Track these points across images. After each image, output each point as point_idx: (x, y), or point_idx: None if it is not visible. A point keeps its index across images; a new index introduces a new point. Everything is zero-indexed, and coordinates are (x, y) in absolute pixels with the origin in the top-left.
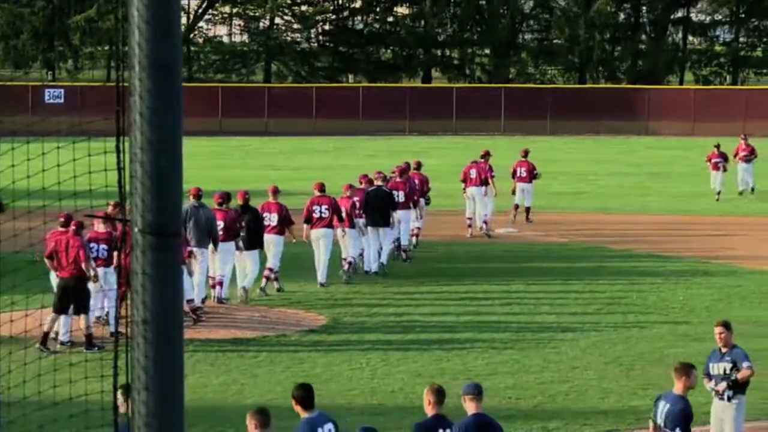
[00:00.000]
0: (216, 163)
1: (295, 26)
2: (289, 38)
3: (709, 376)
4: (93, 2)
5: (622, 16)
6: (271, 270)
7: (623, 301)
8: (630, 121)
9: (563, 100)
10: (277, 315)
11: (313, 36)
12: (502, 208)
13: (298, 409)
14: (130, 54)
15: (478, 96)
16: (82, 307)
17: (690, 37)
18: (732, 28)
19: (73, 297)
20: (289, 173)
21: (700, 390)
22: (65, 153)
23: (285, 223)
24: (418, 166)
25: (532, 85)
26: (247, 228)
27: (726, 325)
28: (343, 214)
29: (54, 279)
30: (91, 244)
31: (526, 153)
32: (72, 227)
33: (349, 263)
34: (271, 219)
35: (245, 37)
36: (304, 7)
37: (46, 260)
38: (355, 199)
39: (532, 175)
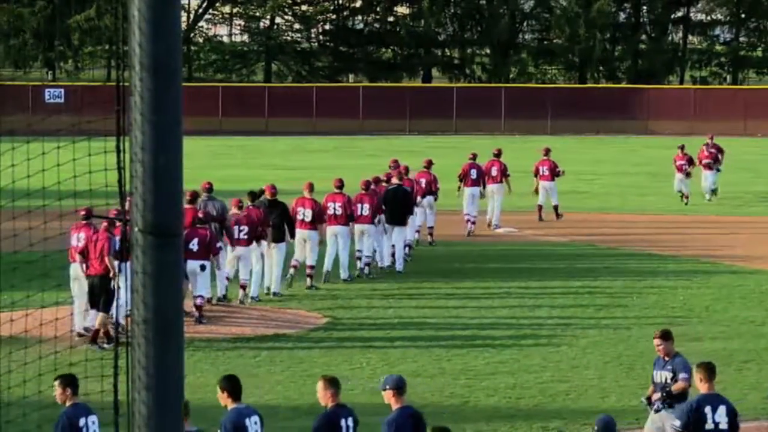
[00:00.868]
0: (216, 163)
1: (296, 26)
2: (289, 38)
3: (654, 384)
4: (93, 2)
5: (622, 15)
6: (312, 267)
7: (623, 300)
8: (630, 121)
9: (563, 99)
10: (277, 314)
11: (313, 36)
12: (518, 208)
13: (227, 400)
14: (131, 54)
15: (478, 95)
16: (104, 305)
17: (690, 37)
18: (732, 28)
19: (98, 294)
20: (289, 173)
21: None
22: (65, 153)
23: (319, 219)
24: (428, 164)
25: (532, 85)
26: (274, 222)
27: (664, 336)
28: (364, 211)
29: (74, 272)
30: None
31: (547, 151)
32: (104, 224)
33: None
34: (306, 214)
35: (245, 37)
36: (304, 7)
37: (78, 256)
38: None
39: (554, 173)
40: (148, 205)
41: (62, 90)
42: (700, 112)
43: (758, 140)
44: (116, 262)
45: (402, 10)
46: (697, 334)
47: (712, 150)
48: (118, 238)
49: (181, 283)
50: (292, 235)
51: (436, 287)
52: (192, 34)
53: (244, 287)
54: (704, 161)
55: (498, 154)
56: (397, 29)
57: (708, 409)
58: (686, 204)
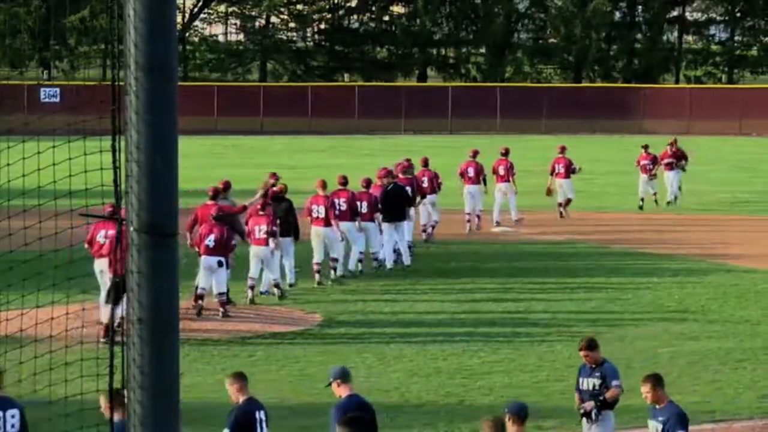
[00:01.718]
0: (211, 162)
1: (291, 25)
2: (284, 37)
3: (579, 391)
4: (88, 1)
5: (617, 14)
6: (319, 264)
7: (619, 299)
8: (625, 120)
9: (559, 99)
10: (273, 313)
11: (308, 35)
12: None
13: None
14: (126, 53)
15: (473, 95)
16: (115, 300)
17: (685, 36)
18: (727, 27)
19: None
20: (284, 172)
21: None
22: (61, 152)
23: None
24: (425, 163)
25: (527, 84)
26: (281, 218)
27: (589, 346)
28: (363, 209)
29: (98, 267)
30: None
31: (563, 149)
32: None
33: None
34: (320, 212)
35: (241, 36)
36: (299, 6)
37: (87, 245)
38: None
39: (569, 171)
40: (144, 205)
41: (58, 89)
42: (695, 111)
43: (753, 139)
44: None
45: (397, 9)
46: (693, 333)
47: (675, 151)
48: None
49: (176, 281)
50: (296, 236)
51: (431, 286)
52: (187, 34)
53: (277, 285)
54: (665, 161)
55: (506, 153)
56: (393, 28)
57: None
58: (657, 204)
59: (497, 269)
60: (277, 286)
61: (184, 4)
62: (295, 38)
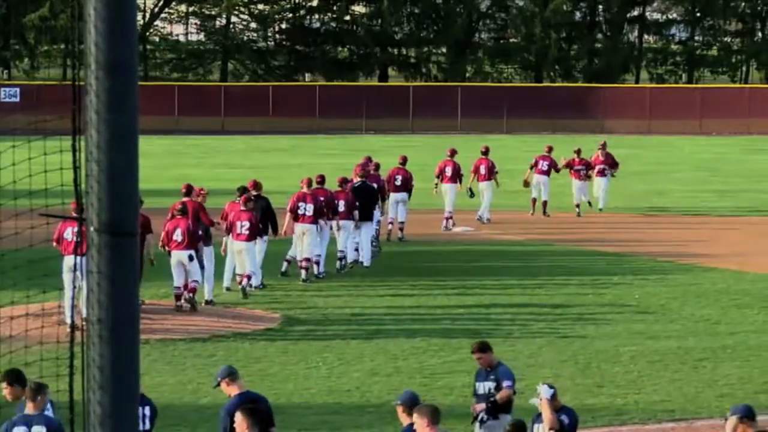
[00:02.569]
0: (172, 162)
1: (252, 25)
2: (245, 37)
3: (476, 396)
4: (47, 0)
5: (578, 14)
6: (308, 260)
7: (579, 299)
8: (586, 120)
9: (519, 98)
10: (234, 314)
11: (269, 35)
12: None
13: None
14: (86, 53)
15: (434, 94)
16: None
17: (645, 36)
18: (687, 27)
19: None
20: (245, 172)
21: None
22: (21, 152)
23: (320, 214)
24: (404, 161)
25: (488, 84)
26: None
27: (482, 349)
28: (341, 207)
29: (67, 264)
30: None
31: (550, 149)
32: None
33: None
34: (306, 209)
35: (201, 36)
36: (260, 6)
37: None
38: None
39: (553, 169)
40: (104, 205)
41: (18, 89)
42: (655, 111)
43: (713, 138)
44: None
45: (359, 9)
46: (653, 333)
47: (606, 156)
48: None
49: (135, 281)
50: (275, 230)
51: (392, 286)
52: (148, 33)
53: (249, 276)
54: (598, 167)
55: (486, 152)
56: (354, 28)
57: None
58: (592, 207)
59: (458, 269)
60: (248, 277)
61: (144, 3)
62: (255, 38)
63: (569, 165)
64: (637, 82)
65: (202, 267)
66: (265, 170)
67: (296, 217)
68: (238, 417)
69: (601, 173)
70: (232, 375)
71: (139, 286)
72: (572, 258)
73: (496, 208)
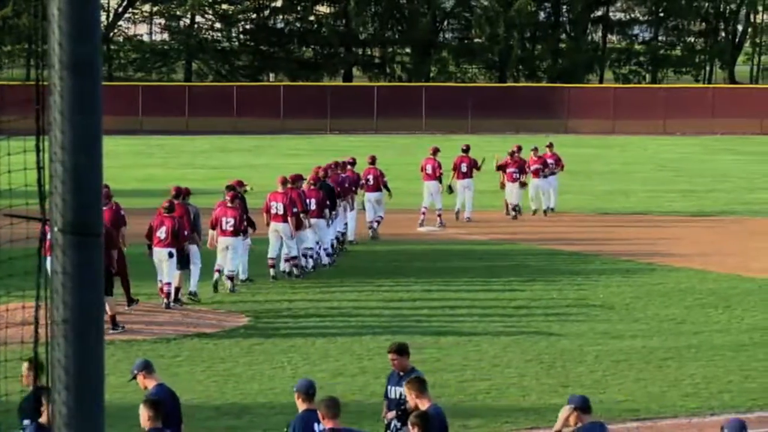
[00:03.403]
0: (136, 162)
1: (216, 25)
2: (209, 37)
3: (387, 400)
4: (8, 0)
5: (542, 14)
6: (294, 258)
7: (544, 299)
8: (550, 120)
9: (484, 98)
10: (199, 315)
11: (234, 35)
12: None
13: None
14: (50, 53)
15: (399, 95)
16: (107, 288)
17: (609, 36)
18: (650, 27)
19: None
20: (209, 172)
21: None
22: None
23: (292, 213)
24: (373, 161)
25: (452, 84)
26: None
27: (398, 351)
28: (312, 206)
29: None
30: None
31: (536, 150)
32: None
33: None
34: (278, 208)
35: (165, 36)
36: (225, 6)
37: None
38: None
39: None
40: (68, 205)
41: None
42: (619, 111)
43: (677, 138)
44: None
45: (323, 9)
46: (618, 332)
47: (546, 155)
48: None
49: (100, 282)
50: (253, 227)
51: (357, 287)
52: (111, 33)
53: (231, 278)
54: (533, 167)
55: (467, 150)
56: (318, 28)
57: None
58: (514, 217)
59: (423, 269)
60: (230, 278)
61: (108, 3)
62: (220, 38)
63: (502, 167)
64: (601, 82)
65: (188, 265)
66: (230, 170)
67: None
68: (141, 408)
69: (536, 174)
70: (148, 367)
71: (103, 284)
72: (537, 258)
73: (445, 209)
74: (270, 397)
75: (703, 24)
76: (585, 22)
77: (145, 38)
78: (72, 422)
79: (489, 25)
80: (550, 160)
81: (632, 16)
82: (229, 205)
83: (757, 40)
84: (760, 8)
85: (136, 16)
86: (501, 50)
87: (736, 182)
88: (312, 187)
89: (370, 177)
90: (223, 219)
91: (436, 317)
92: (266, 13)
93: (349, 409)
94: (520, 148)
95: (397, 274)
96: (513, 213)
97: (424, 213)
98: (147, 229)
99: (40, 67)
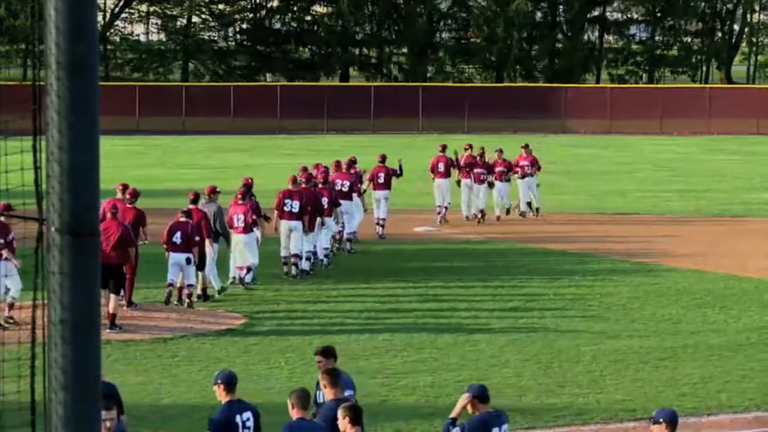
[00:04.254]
0: (133, 162)
1: (213, 25)
2: (206, 37)
3: (317, 404)
4: (3, 1)
5: (539, 15)
6: (297, 256)
7: (541, 299)
8: (547, 120)
9: (480, 98)
10: (196, 315)
11: (230, 35)
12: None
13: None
14: (47, 53)
15: (395, 95)
16: (114, 287)
17: (606, 36)
18: (648, 27)
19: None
20: (206, 172)
21: None
22: None
23: (306, 213)
24: (383, 159)
25: (449, 84)
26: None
27: (324, 353)
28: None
29: None
30: None
31: (527, 146)
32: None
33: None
34: (293, 206)
35: (162, 36)
36: (221, 6)
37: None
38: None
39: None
40: (65, 205)
41: None
42: (616, 111)
43: (674, 138)
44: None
45: (319, 9)
46: (615, 332)
47: (504, 160)
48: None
49: (97, 282)
50: (227, 238)
51: (354, 288)
52: (108, 33)
53: (249, 269)
54: (498, 169)
55: (470, 149)
56: (315, 28)
57: None
58: (498, 218)
59: (420, 269)
60: (249, 270)
61: (105, 3)
62: (216, 38)
63: (468, 165)
64: (597, 82)
65: (203, 266)
66: (227, 170)
67: (282, 214)
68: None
69: (500, 176)
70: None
71: (100, 284)
72: (533, 257)
73: (456, 208)
74: (266, 397)
75: (700, 24)
76: (582, 22)
77: (142, 38)
78: (68, 423)
79: (486, 25)
80: (525, 162)
81: (629, 16)
82: (240, 202)
83: (754, 40)
84: (757, 7)
85: (133, 16)
86: (498, 50)
87: (733, 182)
88: (322, 186)
89: (381, 175)
90: (235, 217)
91: (433, 317)
92: (263, 13)
93: None
94: (483, 150)
95: (394, 273)
96: (478, 217)
97: (440, 210)
98: (164, 235)
99: (37, 67)
